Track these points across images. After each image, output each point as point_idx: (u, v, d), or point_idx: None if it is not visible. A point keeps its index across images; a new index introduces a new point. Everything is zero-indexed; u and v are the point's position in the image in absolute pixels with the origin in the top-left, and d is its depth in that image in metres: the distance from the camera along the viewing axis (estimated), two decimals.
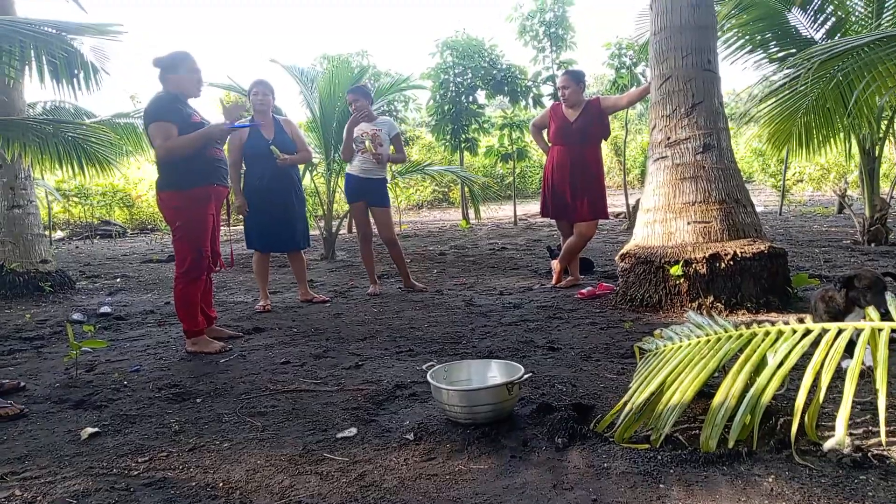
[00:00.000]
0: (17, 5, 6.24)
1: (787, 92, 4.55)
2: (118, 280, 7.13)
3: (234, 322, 4.52)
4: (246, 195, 4.98)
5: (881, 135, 7.01)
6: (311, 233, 5.57)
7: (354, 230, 12.68)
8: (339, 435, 2.33)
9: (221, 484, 1.97)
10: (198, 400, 2.83)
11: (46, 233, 7.99)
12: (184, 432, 2.43)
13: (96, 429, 2.48)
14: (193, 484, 1.98)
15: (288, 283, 6.30)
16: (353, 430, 2.36)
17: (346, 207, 11.21)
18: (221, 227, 4.08)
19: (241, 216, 5.07)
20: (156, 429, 2.48)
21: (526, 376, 2.41)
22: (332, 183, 8.82)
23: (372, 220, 5.55)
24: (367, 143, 5.24)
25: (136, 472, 2.08)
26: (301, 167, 6.23)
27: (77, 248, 11.79)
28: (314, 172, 9.08)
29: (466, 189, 12.45)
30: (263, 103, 4.90)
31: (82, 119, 8.50)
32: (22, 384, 3.13)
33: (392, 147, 5.44)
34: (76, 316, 4.95)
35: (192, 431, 2.44)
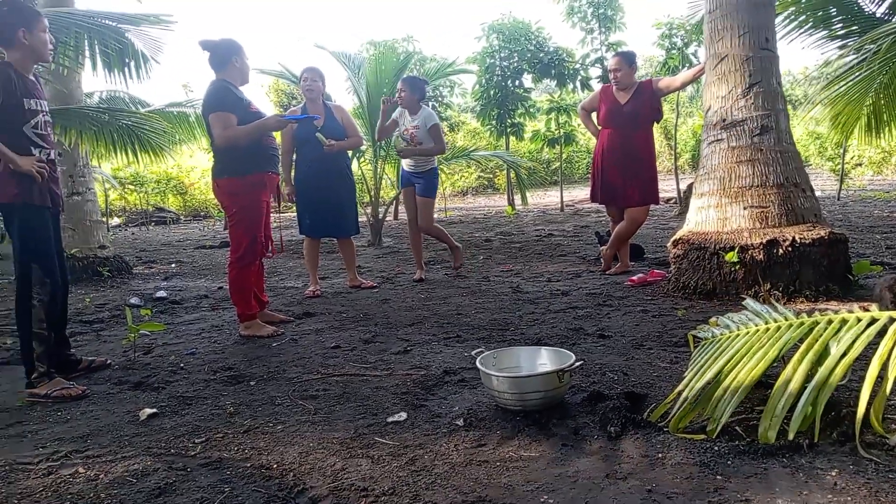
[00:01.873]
0: None
1: (854, 76, 4.35)
2: (173, 265, 7.32)
3: (285, 307, 4.60)
4: (296, 181, 5.04)
5: None
6: (359, 220, 5.60)
7: (401, 217, 12.75)
8: (390, 419, 2.34)
9: (276, 465, 2.00)
10: (252, 383, 2.88)
11: (104, 219, 8.25)
12: (238, 414, 2.48)
13: (154, 410, 2.55)
14: (248, 465, 2.02)
15: (336, 269, 6.37)
16: (403, 415, 2.37)
17: (392, 194, 11.28)
18: (272, 214, 4.15)
19: (290, 203, 5.14)
20: (211, 410, 2.54)
21: (577, 364, 2.38)
22: (378, 169, 8.86)
23: None
24: (397, 139, 5.30)
25: (193, 453, 2.14)
26: (350, 153, 6.27)
27: (133, 234, 12.16)
28: (361, 159, 9.13)
29: (513, 174, 12.35)
30: (313, 90, 4.93)
31: (136, 108, 8.71)
32: (108, 361, 3.27)
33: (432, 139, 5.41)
34: (133, 300, 5.10)
35: (247, 413, 2.48)
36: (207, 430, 2.32)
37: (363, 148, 8.76)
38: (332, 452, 2.08)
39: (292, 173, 5.11)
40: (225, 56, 3.79)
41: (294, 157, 5.10)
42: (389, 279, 5.68)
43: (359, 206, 6.76)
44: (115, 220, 14.84)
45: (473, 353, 2.69)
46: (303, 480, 1.89)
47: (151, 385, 2.91)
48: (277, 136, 4.64)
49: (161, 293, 5.32)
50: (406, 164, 5.46)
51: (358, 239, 8.47)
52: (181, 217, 15.73)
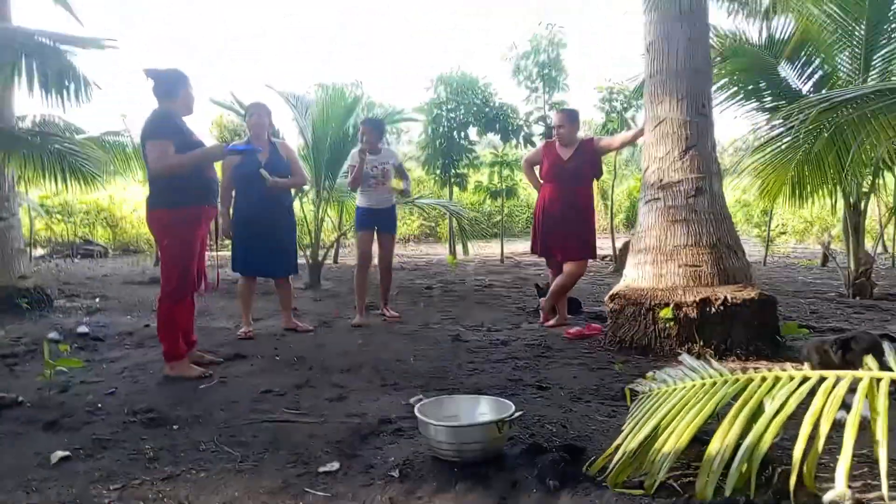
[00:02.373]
0: (13, 13, 6.18)
1: (778, 144, 4.61)
2: (97, 300, 6.98)
3: (215, 348, 4.41)
4: (235, 218, 4.91)
5: (867, 189, 7.11)
6: (298, 261, 5.50)
7: (341, 260, 12.60)
8: (321, 469, 2.24)
9: None
10: (174, 426, 2.73)
11: (27, 248, 7.85)
12: (159, 460, 2.33)
13: (67, 452, 2.38)
14: None
15: (271, 311, 6.19)
16: (336, 465, 2.28)
17: (333, 237, 11.15)
18: (207, 250, 4.03)
19: (228, 239, 5.00)
20: (129, 455, 2.38)
21: (517, 414, 2.34)
22: (320, 211, 8.77)
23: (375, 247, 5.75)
24: (378, 176, 5.45)
25: (107, 500, 1.99)
26: (293, 192, 6.19)
27: (57, 266, 11.59)
28: (304, 199, 9.03)
29: (455, 224, 12.42)
30: (259, 125, 4.87)
31: (72, 135, 8.42)
32: (20, 398, 3.04)
33: (397, 177, 5.69)
34: (52, 335, 4.80)
35: (168, 459, 2.34)
36: (124, 476, 2.17)
37: (306, 188, 8.67)
38: (258, 503, 1.97)
39: (231, 210, 4.99)
40: (171, 85, 3.70)
41: (234, 192, 4.99)
42: (327, 323, 5.55)
43: (299, 247, 6.64)
44: (39, 251, 14.13)
45: (412, 400, 2.63)
46: None
47: (65, 426, 2.72)
48: (218, 169, 4.54)
49: (83, 328, 5.04)
50: (374, 203, 5.52)
51: (295, 281, 8.30)
52: (110, 251, 15.10)
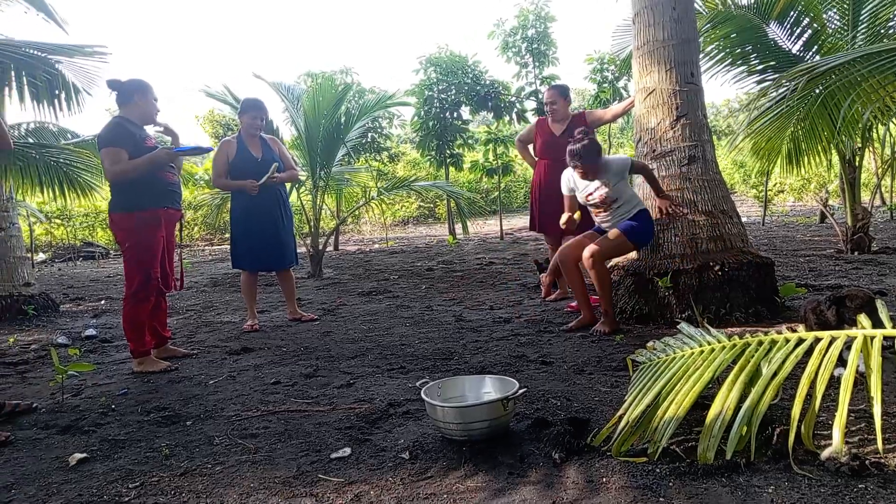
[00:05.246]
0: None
1: (775, 112, 4.62)
2: (103, 302, 7.04)
3: (222, 342, 4.47)
4: (233, 213, 4.95)
5: (860, 145, 7.12)
6: (298, 250, 5.54)
7: (341, 247, 12.63)
8: (333, 455, 2.30)
9: None
10: (188, 423, 2.78)
11: (29, 255, 7.89)
12: (174, 456, 2.39)
13: (84, 454, 2.43)
14: None
15: (276, 302, 6.25)
16: (348, 451, 2.33)
17: (332, 224, 11.14)
18: (179, 248, 4.14)
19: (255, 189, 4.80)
20: (146, 453, 2.44)
21: (521, 391, 2.39)
22: (317, 200, 8.79)
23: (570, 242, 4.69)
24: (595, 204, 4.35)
25: (126, 499, 2.04)
26: (287, 185, 6.20)
27: (60, 270, 11.65)
28: (300, 189, 9.05)
29: (453, 204, 12.44)
30: (255, 126, 4.93)
31: (66, 139, 8.41)
32: (34, 405, 3.10)
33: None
34: (61, 339, 4.87)
35: (183, 455, 2.39)
36: (142, 474, 2.23)
37: (301, 178, 8.68)
38: (273, 492, 2.02)
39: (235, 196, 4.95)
40: (127, 94, 3.83)
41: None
42: (331, 311, 5.61)
43: (298, 237, 6.66)
44: (41, 256, 14.18)
45: (418, 383, 2.68)
46: None
47: (81, 428, 2.77)
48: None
49: (90, 331, 5.10)
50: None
51: (298, 271, 8.35)
52: (111, 251, 15.16)
